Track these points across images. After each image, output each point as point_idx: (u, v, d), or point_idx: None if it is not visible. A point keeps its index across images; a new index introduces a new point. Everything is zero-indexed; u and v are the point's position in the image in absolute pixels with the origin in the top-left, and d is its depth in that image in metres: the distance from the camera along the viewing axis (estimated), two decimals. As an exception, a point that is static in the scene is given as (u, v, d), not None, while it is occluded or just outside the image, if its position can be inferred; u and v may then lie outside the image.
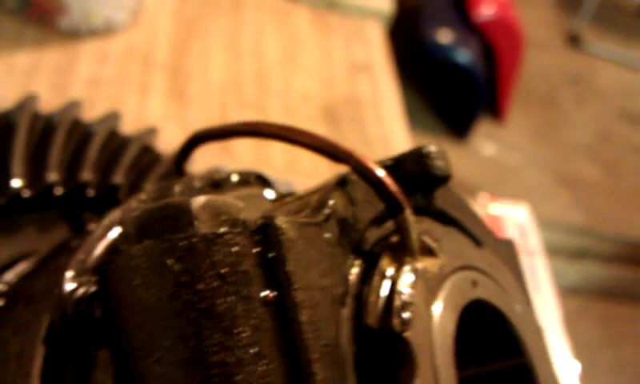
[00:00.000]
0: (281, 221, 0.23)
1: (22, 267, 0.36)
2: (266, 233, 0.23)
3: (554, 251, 1.20)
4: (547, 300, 0.74)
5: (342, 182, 0.26)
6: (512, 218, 0.85)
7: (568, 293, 1.73)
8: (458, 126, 2.65)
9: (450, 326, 0.26)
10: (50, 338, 0.25)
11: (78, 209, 0.40)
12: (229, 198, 0.23)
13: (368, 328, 0.24)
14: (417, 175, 0.28)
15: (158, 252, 0.21)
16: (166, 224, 0.22)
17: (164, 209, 0.22)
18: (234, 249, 0.22)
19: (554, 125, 2.92)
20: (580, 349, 0.98)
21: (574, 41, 3.43)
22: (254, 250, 0.22)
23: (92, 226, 0.31)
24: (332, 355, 0.22)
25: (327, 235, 0.24)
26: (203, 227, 0.22)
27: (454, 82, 2.60)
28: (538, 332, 0.32)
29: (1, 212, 0.37)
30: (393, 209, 0.26)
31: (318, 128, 0.82)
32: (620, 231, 2.49)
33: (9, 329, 0.29)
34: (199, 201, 0.22)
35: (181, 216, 0.22)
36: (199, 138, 0.30)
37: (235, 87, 0.94)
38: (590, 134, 2.93)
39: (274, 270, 0.22)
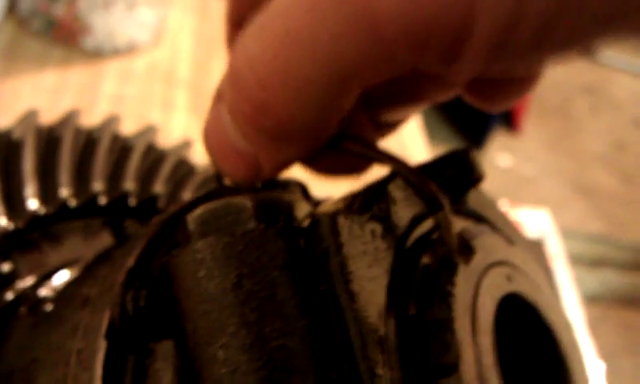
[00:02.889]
0: (331, 216, 0.24)
1: (68, 274, 0.38)
2: (317, 228, 0.24)
3: (572, 259, 1.21)
4: (570, 303, 0.76)
5: (384, 183, 0.28)
6: (533, 223, 0.86)
7: (587, 301, 1.74)
8: (473, 138, 2.66)
9: (489, 316, 0.27)
10: (110, 334, 0.26)
11: (120, 217, 0.42)
12: (282, 196, 0.25)
13: (412, 318, 0.26)
14: (451, 176, 0.30)
15: (221, 246, 0.23)
16: (227, 220, 0.24)
17: (224, 207, 0.24)
18: (290, 242, 0.24)
19: (570, 135, 2.93)
20: (600, 356, 0.99)
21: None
22: (307, 244, 0.24)
23: (138, 232, 0.33)
24: (381, 344, 0.24)
25: (372, 232, 0.26)
26: (261, 224, 0.24)
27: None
28: (568, 326, 0.33)
29: (49, 221, 0.39)
30: (433, 207, 0.27)
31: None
32: (638, 239, 2.49)
33: (64, 330, 0.31)
34: (256, 198, 0.24)
35: (240, 213, 0.24)
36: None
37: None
38: (606, 143, 2.93)
39: (326, 263, 0.24)
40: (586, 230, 2.49)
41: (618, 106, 3.18)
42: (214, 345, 0.23)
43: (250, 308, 0.23)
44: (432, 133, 1.08)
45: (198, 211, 0.24)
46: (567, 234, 1.89)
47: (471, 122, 2.68)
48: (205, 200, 0.27)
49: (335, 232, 0.24)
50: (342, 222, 0.25)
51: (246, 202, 0.24)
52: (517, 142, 2.76)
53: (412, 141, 0.99)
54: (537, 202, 1.99)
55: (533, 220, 0.88)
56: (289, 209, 0.25)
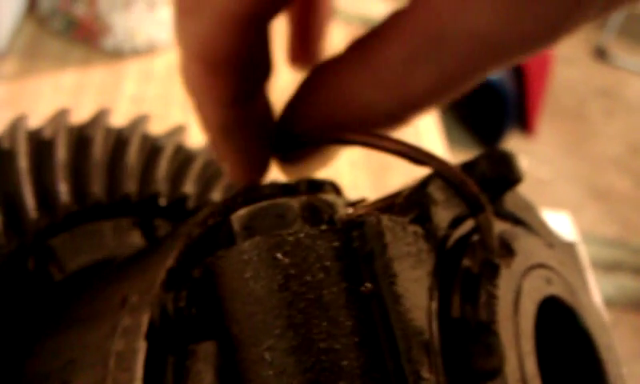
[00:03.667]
0: (376, 218, 0.24)
1: (100, 273, 0.38)
2: (362, 229, 0.24)
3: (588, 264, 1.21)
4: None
5: (423, 185, 0.28)
6: (554, 226, 0.85)
7: (602, 305, 1.73)
8: (488, 141, 2.66)
9: (530, 319, 0.27)
10: (151, 335, 0.26)
11: (150, 216, 0.42)
12: (325, 198, 0.25)
13: (455, 321, 0.25)
14: (491, 177, 0.30)
15: (267, 246, 0.23)
16: (272, 221, 0.24)
17: (269, 208, 0.24)
18: (335, 244, 0.24)
19: (584, 138, 2.92)
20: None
21: (600, 54, 3.43)
22: (353, 245, 0.24)
23: (175, 231, 0.33)
24: (426, 347, 0.24)
25: (415, 233, 0.26)
26: (307, 224, 0.24)
27: (482, 97, 2.62)
28: (605, 330, 0.33)
29: (80, 219, 0.39)
30: (474, 208, 0.27)
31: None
32: (653, 244, 2.47)
33: (101, 330, 0.31)
34: (301, 200, 0.24)
35: (286, 214, 0.24)
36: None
37: (273, 102, 0.95)
38: (620, 146, 2.92)
39: (371, 264, 0.24)
40: (601, 233, 2.48)
41: (633, 109, 3.17)
42: (260, 347, 0.23)
43: (297, 309, 0.23)
44: (446, 135, 1.08)
45: (243, 212, 0.24)
46: (582, 237, 1.88)
47: (486, 124, 2.68)
48: (245, 201, 0.27)
49: (380, 233, 0.24)
50: (387, 223, 0.24)
51: (291, 202, 0.24)
52: (531, 145, 2.75)
53: (431, 144, 0.98)
54: (552, 206, 1.98)
55: (553, 223, 0.87)
56: (332, 210, 0.25)
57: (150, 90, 0.91)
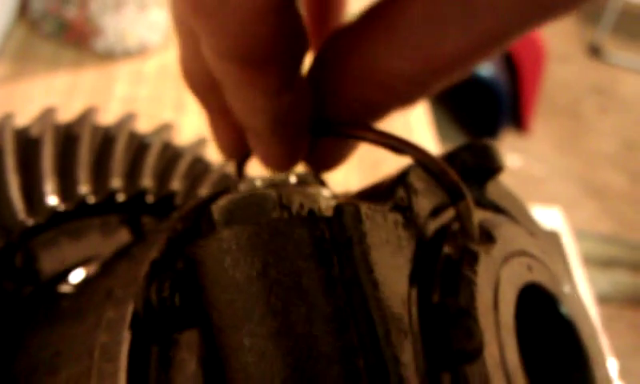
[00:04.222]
0: (354, 206, 0.25)
1: (87, 270, 0.38)
2: (341, 218, 0.25)
3: (582, 260, 1.21)
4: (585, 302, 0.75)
5: (404, 175, 0.28)
6: (545, 222, 0.86)
7: (598, 301, 1.74)
8: (482, 138, 2.66)
9: (511, 305, 0.28)
10: (135, 326, 0.27)
11: (138, 214, 0.42)
12: (306, 189, 0.25)
13: (434, 306, 0.26)
14: (471, 167, 0.30)
15: (246, 235, 0.23)
16: (251, 210, 0.24)
17: (249, 197, 0.24)
18: (315, 232, 0.24)
19: (578, 135, 2.92)
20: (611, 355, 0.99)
21: (595, 52, 3.43)
22: (332, 233, 0.24)
23: (157, 226, 0.33)
24: (405, 332, 0.24)
25: (394, 222, 0.26)
26: (285, 213, 0.24)
27: (476, 95, 2.62)
28: (588, 317, 0.33)
29: (67, 217, 0.39)
30: (454, 197, 0.27)
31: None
32: (648, 239, 2.48)
33: (86, 323, 0.31)
34: (280, 190, 0.24)
35: (265, 203, 0.24)
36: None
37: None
38: (615, 143, 2.93)
39: (350, 251, 0.24)
40: (597, 230, 2.48)
41: (627, 106, 3.17)
42: (239, 332, 0.23)
43: (276, 296, 0.23)
44: (440, 133, 1.09)
45: (223, 201, 0.25)
46: (577, 234, 1.88)
47: (480, 122, 2.68)
48: (226, 193, 0.27)
49: (359, 221, 0.24)
50: (366, 211, 0.25)
51: (270, 192, 0.24)
52: (526, 143, 2.76)
53: (423, 139, 0.99)
54: (546, 203, 1.98)
55: (545, 218, 0.88)
56: (312, 199, 0.25)
57: (141, 91, 0.91)
